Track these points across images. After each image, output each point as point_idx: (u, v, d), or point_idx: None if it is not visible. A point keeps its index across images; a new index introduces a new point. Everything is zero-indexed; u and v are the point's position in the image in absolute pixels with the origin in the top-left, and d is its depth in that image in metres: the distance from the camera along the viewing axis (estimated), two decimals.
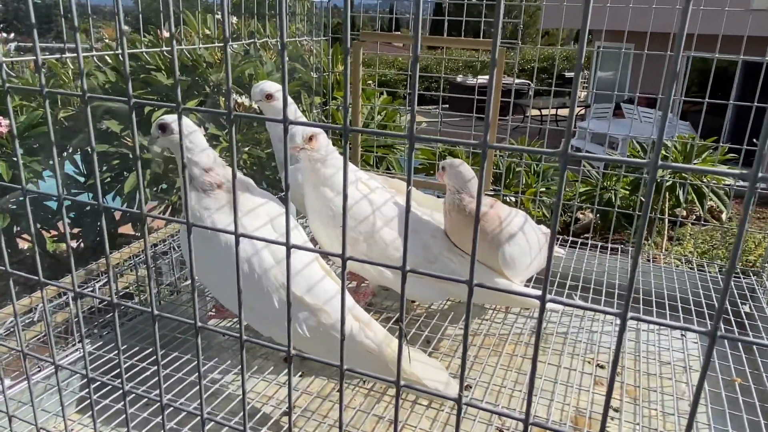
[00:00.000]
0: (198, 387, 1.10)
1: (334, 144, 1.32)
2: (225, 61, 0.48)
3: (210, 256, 1.07)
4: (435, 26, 2.17)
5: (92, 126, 0.59)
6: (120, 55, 1.66)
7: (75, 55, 1.47)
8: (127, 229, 2.84)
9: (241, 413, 0.86)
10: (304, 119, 1.60)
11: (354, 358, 1.03)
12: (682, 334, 1.40)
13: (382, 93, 3.28)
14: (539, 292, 0.46)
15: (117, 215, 2.80)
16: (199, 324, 0.62)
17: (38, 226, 2.58)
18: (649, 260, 1.75)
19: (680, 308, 1.44)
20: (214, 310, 1.34)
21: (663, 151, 4.18)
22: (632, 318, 0.47)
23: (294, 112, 1.53)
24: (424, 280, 1.31)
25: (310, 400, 1.14)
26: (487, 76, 2.07)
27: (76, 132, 2.55)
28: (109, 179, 2.63)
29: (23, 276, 0.71)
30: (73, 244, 2.78)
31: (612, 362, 0.45)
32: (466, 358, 0.53)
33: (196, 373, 1.15)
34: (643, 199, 3.76)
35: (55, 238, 2.75)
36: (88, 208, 2.78)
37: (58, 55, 1.58)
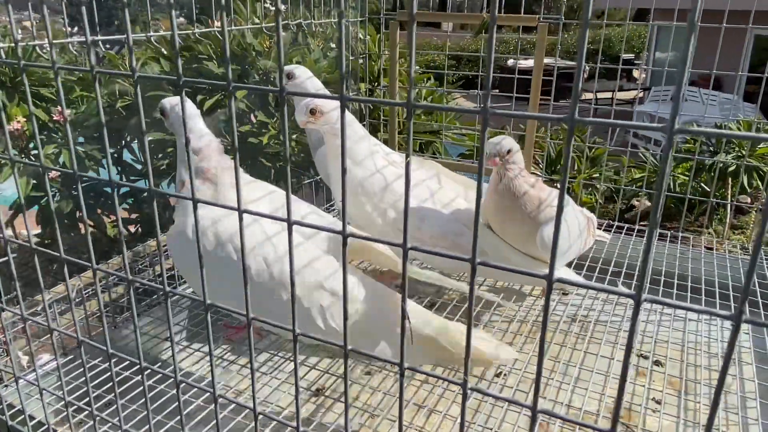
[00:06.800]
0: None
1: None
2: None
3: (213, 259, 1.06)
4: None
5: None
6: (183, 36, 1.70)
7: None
8: None
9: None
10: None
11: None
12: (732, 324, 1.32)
13: (429, 78, 3.24)
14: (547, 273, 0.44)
15: (172, 201, 2.89)
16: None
17: (99, 211, 2.72)
18: (708, 248, 1.65)
19: (731, 297, 1.36)
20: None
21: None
22: (647, 300, 0.44)
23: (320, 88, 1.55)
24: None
25: (337, 382, 1.15)
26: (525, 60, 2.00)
27: (132, 121, 2.65)
28: (164, 166, 2.71)
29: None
30: (132, 228, 2.91)
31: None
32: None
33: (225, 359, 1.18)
34: (706, 188, 3.57)
35: (115, 223, 2.89)
36: (146, 194, 2.89)
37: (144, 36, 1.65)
